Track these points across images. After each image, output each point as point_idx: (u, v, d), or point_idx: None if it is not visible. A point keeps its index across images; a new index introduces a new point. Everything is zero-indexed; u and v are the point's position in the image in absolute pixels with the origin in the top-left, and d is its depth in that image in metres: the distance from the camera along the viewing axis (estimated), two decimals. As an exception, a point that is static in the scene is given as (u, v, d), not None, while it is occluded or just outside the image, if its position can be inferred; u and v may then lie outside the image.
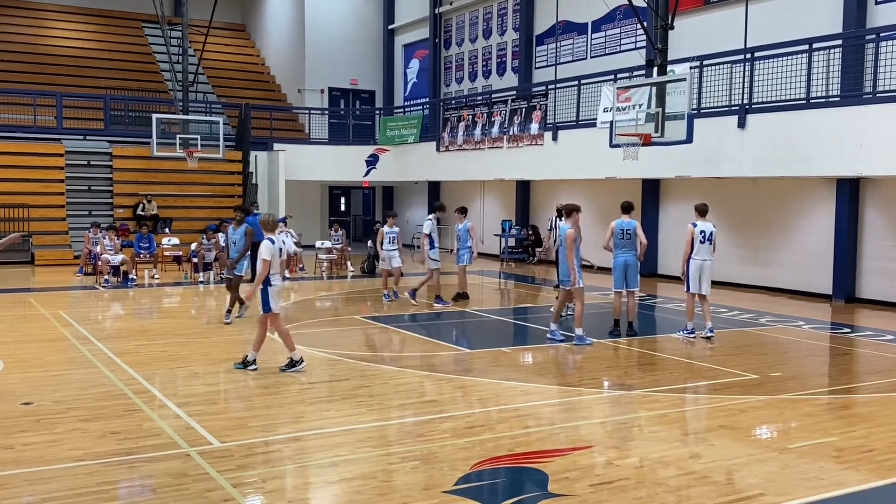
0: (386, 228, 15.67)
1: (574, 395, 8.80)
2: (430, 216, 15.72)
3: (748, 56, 16.45)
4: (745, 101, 16.26)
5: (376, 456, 6.62)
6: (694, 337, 12.09)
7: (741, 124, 16.01)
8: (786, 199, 17.74)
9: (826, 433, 7.39)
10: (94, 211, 23.42)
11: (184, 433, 7.07)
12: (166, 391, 8.62)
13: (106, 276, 17.77)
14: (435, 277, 15.35)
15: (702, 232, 12.03)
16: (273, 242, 9.61)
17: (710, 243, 12.10)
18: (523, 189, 25.19)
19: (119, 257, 18.22)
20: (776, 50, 15.88)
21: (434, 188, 29.49)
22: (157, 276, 19.17)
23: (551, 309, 13.22)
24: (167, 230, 23.32)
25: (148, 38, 32.68)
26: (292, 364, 9.58)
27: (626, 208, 12.44)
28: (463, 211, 15.85)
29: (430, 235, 15.31)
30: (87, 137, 24.87)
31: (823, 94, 15.45)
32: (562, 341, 11.52)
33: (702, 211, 12.22)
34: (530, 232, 24.66)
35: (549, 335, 11.71)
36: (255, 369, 9.58)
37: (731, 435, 7.31)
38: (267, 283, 9.58)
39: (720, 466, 6.45)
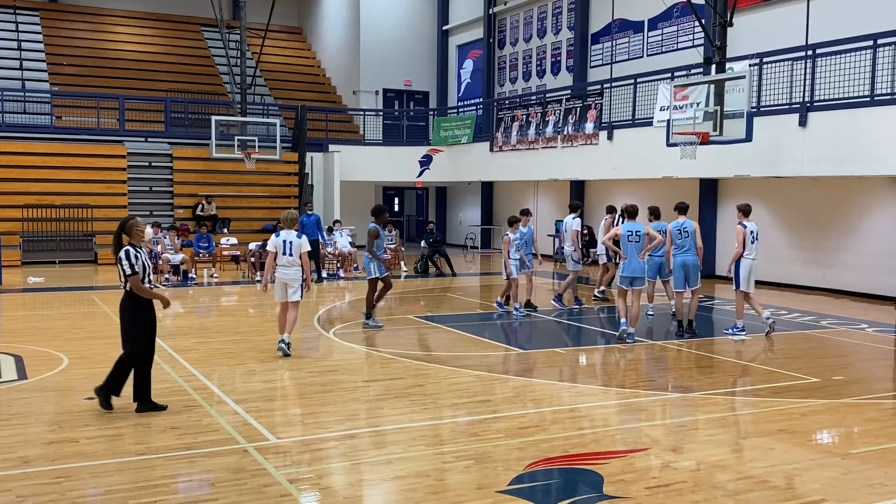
0: (511, 234, 14.04)
1: (630, 396, 8.71)
2: (571, 216, 15.32)
3: (810, 53, 16.08)
4: (806, 99, 15.89)
5: (430, 454, 6.64)
6: (745, 334, 12.09)
7: (802, 122, 15.65)
8: (849, 199, 17.30)
9: (891, 438, 7.18)
10: (155, 211, 23.93)
11: (241, 429, 7.18)
12: (224, 388, 8.77)
13: (166, 275, 18.15)
14: (572, 278, 15.27)
15: (751, 232, 12.18)
16: (277, 236, 10.44)
17: (758, 242, 12.35)
18: (577, 189, 25.00)
19: (179, 256, 18.61)
20: (839, 46, 15.48)
21: (487, 188, 29.45)
22: (215, 275, 19.52)
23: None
24: (225, 230, 23.72)
25: (207, 42, 33.27)
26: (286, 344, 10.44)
27: (683, 209, 12.47)
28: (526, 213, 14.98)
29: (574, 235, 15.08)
30: (149, 139, 25.42)
31: (889, 91, 15.02)
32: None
33: (746, 211, 12.33)
34: (585, 232, 24.44)
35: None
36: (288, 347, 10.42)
37: (791, 439, 7.16)
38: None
39: (780, 471, 6.32)
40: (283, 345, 10.35)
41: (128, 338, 7.73)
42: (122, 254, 7.63)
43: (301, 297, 10.51)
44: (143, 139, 25.31)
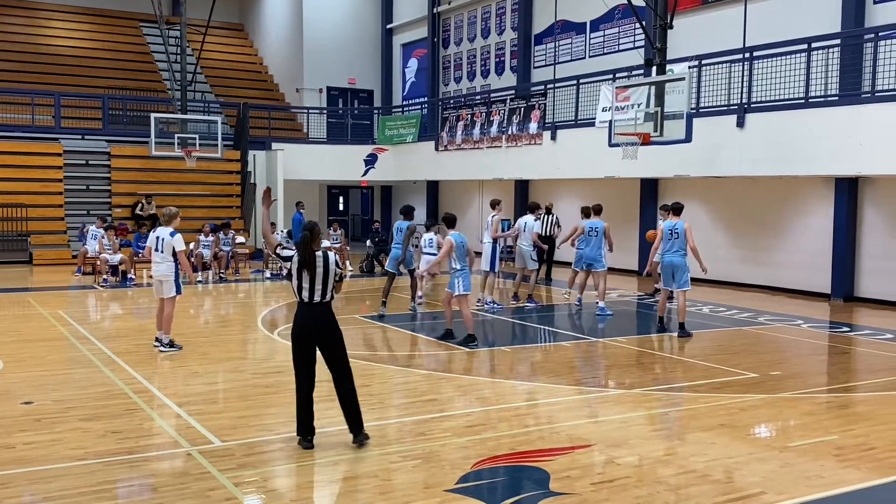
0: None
1: (574, 393, 8.81)
2: (531, 216, 15.30)
3: (747, 55, 16.46)
4: (743, 101, 16.27)
5: (377, 455, 6.62)
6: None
7: (740, 124, 16.02)
8: (785, 199, 17.75)
9: (826, 432, 7.40)
10: (93, 210, 23.37)
11: (184, 432, 7.07)
12: (166, 390, 8.62)
13: (104, 276, 17.76)
14: (535, 277, 15.83)
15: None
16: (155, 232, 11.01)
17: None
18: (522, 189, 25.17)
19: (118, 257, 18.21)
20: (775, 49, 15.89)
21: (433, 188, 29.48)
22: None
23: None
24: (165, 229, 23.26)
25: (146, 38, 32.63)
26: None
27: (677, 210, 12.32)
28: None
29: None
30: (86, 137, 24.82)
31: (822, 93, 15.46)
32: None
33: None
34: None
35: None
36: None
37: (731, 433, 7.32)
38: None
39: (720, 465, 6.46)
40: (156, 342, 10.68)
41: (341, 353, 6.99)
42: (335, 257, 6.98)
43: (176, 293, 10.79)
44: (79, 137, 24.69)
